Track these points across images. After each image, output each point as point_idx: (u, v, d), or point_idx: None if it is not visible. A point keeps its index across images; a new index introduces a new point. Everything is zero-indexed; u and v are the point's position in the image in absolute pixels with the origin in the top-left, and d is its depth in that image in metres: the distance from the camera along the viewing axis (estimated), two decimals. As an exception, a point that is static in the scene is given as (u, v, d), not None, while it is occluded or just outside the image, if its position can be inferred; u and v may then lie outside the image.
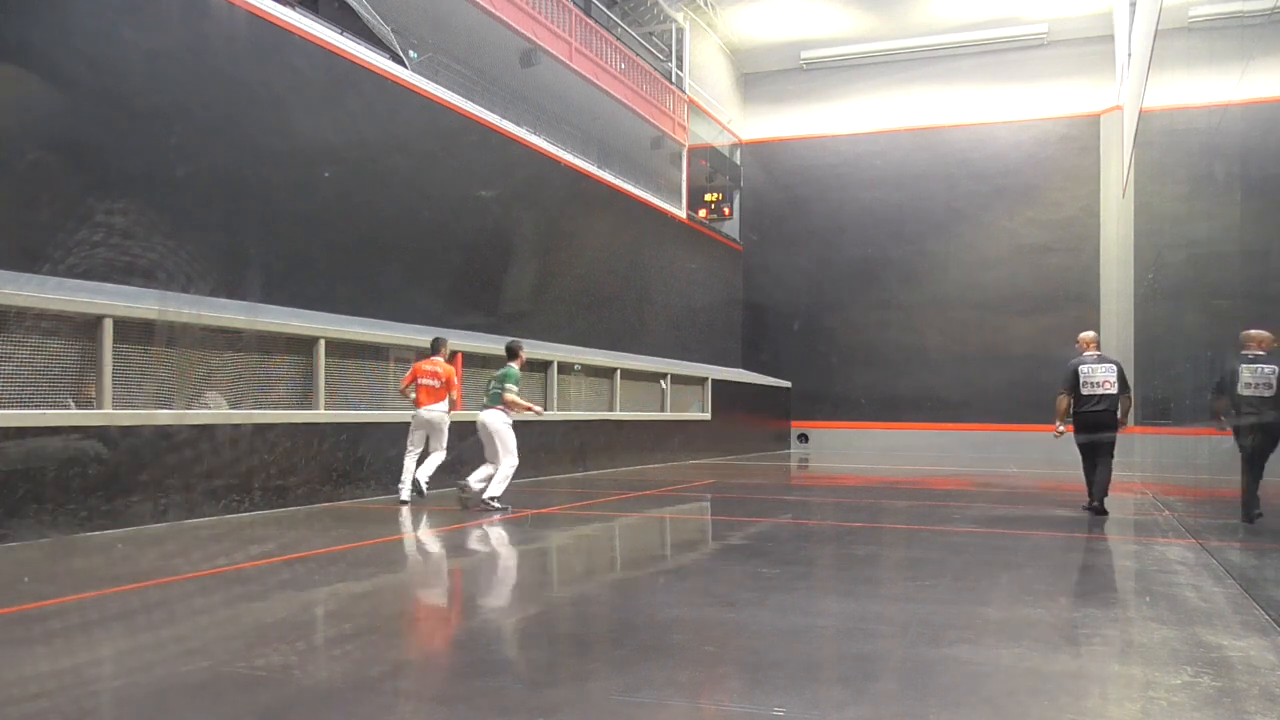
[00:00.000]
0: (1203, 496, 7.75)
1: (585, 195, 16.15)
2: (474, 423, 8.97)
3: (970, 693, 3.31)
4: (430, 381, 8.97)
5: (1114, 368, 8.66)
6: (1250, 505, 5.92)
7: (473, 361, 11.52)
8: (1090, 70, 22.04)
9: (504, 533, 7.67)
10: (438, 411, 9.01)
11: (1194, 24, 8.19)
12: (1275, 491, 5.55)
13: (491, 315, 13.20)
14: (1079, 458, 9.01)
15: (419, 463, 9.06)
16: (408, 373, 9.21)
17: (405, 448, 9.05)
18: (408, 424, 9.15)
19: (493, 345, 12.13)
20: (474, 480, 8.65)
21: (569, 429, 13.43)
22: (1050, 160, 22.32)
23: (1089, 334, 9.09)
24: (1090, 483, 8.89)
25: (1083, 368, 8.63)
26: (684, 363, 18.79)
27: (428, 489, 9.05)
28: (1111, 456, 8.74)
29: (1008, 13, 21.80)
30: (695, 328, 20.97)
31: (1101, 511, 8.72)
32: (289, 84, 9.90)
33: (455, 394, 9.14)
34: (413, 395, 9.03)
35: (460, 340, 11.45)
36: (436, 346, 9.20)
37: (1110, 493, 8.86)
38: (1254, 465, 5.82)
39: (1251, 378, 5.67)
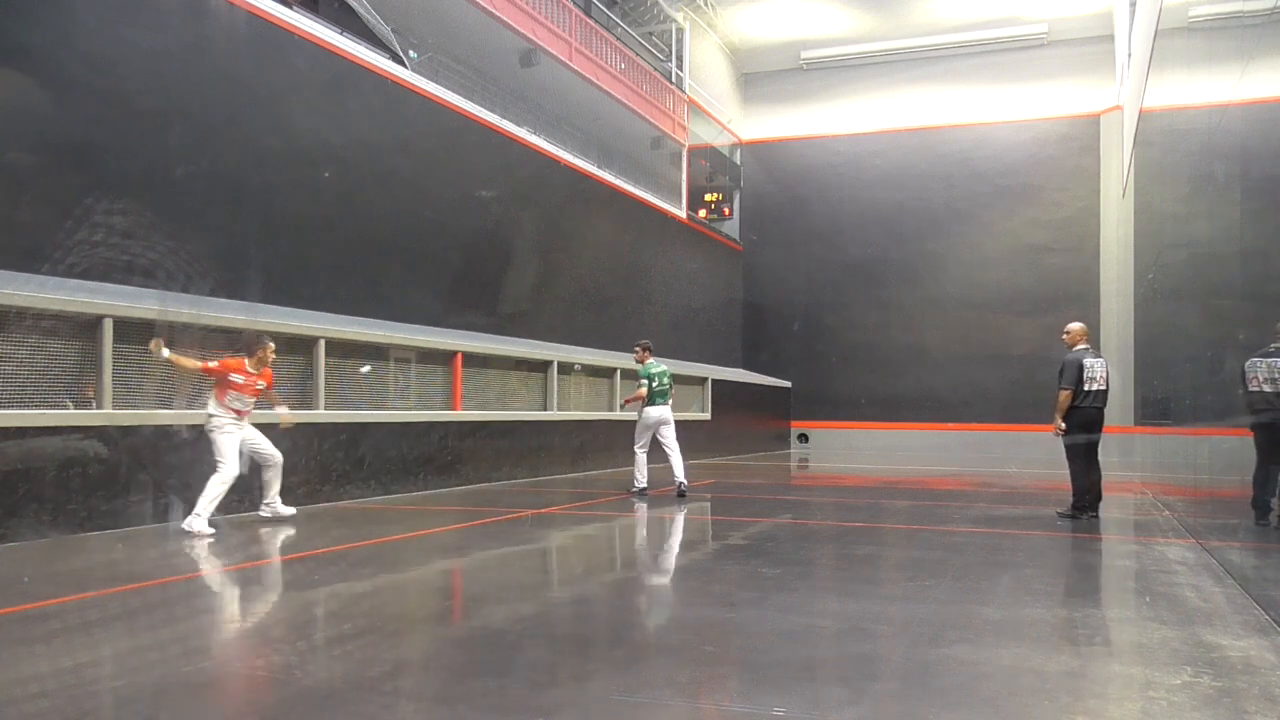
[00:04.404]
0: (1203, 496, 7.75)
1: (585, 195, 16.15)
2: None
3: (970, 693, 3.31)
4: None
5: (1104, 362, 8.56)
6: (1263, 505, 5.72)
7: (473, 362, 11.52)
8: (1090, 70, 22.04)
9: (505, 533, 7.67)
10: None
11: (1194, 24, 8.19)
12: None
13: (491, 315, 13.19)
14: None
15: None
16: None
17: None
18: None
19: (494, 346, 12.14)
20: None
21: (569, 429, 13.43)
22: (1050, 160, 22.31)
23: (1081, 325, 8.55)
24: (1082, 487, 8.44)
25: (1085, 360, 8.25)
26: (684, 362, 18.77)
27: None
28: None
29: (1008, 13, 21.80)
30: (695, 328, 20.96)
31: (1095, 515, 8.49)
32: (289, 84, 9.90)
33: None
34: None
35: (460, 340, 11.46)
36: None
37: (1104, 493, 8.73)
38: (1271, 463, 5.62)
39: (1269, 372, 5.46)
